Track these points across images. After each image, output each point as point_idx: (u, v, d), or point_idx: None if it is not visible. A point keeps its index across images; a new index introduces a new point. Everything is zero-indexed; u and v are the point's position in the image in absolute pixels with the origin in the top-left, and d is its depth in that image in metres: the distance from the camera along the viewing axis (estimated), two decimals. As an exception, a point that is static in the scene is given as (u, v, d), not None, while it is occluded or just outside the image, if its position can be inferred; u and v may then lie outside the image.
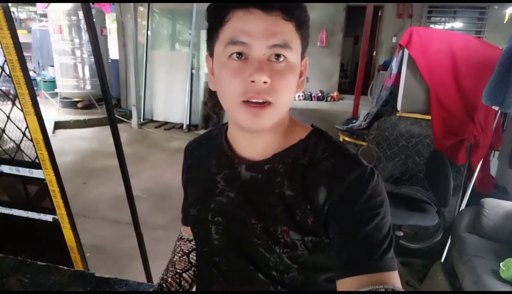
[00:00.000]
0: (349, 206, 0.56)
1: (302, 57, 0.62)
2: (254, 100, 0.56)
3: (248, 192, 0.64)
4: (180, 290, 0.82)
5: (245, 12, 0.55)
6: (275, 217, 0.61)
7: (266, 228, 0.61)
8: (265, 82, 0.55)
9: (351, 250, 0.56)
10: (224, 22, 0.57)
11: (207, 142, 0.76)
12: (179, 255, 0.86)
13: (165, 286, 0.82)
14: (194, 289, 0.85)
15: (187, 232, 0.87)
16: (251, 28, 0.55)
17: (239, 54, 0.56)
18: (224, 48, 0.57)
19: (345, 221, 0.57)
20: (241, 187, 0.65)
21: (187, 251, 0.86)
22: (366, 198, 0.56)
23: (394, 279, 0.54)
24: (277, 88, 0.56)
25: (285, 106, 0.60)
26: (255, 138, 0.64)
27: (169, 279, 0.83)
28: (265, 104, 0.57)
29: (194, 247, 0.85)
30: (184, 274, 0.84)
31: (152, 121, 6.29)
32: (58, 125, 5.61)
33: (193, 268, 0.85)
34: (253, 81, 0.55)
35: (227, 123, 0.72)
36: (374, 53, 8.65)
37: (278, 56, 0.56)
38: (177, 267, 0.85)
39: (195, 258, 0.85)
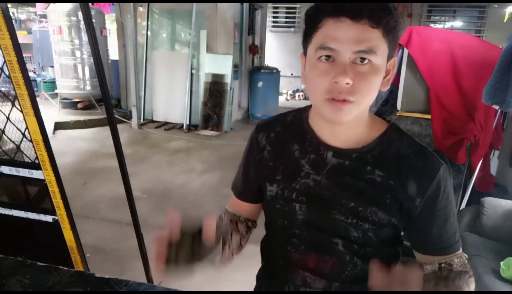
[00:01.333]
0: (436, 202, 0.71)
1: (391, 57, 0.68)
2: (336, 99, 0.64)
3: (337, 177, 0.73)
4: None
5: (336, 20, 0.62)
6: (365, 199, 0.71)
7: (355, 208, 0.71)
8: (347, 83, 0.62)
9: (436, 237, 0.73)
10: (317, 28, 0.65)
11: (282, 128, 0.83)
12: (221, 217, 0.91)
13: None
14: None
15: (234, 207, 0.92)
16: (340, 36, 0.61)
17: (327, 57, 0.64)
18: (315, 51, 0.65)
19: (431, 214, 0.71)
20: (329, 172, 0.74)
21: (227, 220, 0.90)
22: (447, 193, 0.71)
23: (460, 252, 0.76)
24: (359, 89, 0.63)
25: (366, 105, 0.67)
26: (338, 129, 0.73)
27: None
28: (346, 101, 0.64)
29: (236, 221, 0.90)
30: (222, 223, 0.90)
31: (152, 121, 6.29)
32: (58, 126, 5.60)
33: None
34: (336, 82, 0.62)
35: (301, 111, 0.82)
36: (374, 52, 8.64)
37: (363, 59, 0.62)
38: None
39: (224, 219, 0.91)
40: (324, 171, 0.74)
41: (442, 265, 0.73)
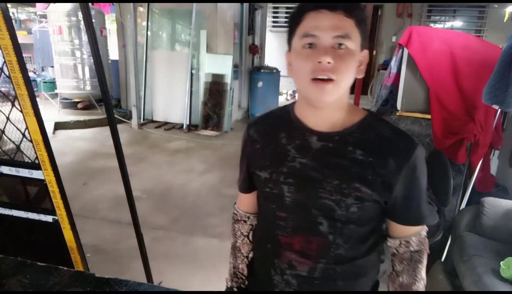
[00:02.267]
0: (409, 177, 0.78)
1: (363, 49, 0.78)
2: (320, 77, 0.72)
3: (321, 158, 0.80)
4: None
5: (316, 12, 0.73)
6: (349, 176, 0.77)
7: (339, 185, 0.77)
8: (328, 63, 0.71)
9: (408, 210, 0.82)
10: (300, 21, 0.76)
11: (270, 121, 0.91)
12: (241, 238, 1.01)
13: (239, 273, 1.01)
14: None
15: (242, 207, 1.01)
16: (320, 24, 0.72)
17: (310, 44, 0.74)
18: (299, 40, 0.75)
19: (408, 188, 0.79)
20: (314, 154, 0.80)
21: (246, 233, 1.01)
22: (420, 171, 0.79)
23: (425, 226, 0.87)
24: (339, 68, 0.72)
25: (345, 84, 0.75)
26: (322, 114, 0.80)
27: (240, 265, 1.01)
28: (328, 80, 0.72)
29: (251, 227, 1.00)
30: (249, 256, 1.00)
31: (152, 121, 6.29)
32: (58, 126, 5.61)
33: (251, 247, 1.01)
34: (319, 62, 0.72)
35: (288, 105, 0.90)
36: (374, 52, 8.64)
37: (340, 44, 0.73)
38: (243, 252, 1.01)
39: (250, 236, 1.00)
40: (309, 154, 0.81)
41: (402, 242, 0.84)
